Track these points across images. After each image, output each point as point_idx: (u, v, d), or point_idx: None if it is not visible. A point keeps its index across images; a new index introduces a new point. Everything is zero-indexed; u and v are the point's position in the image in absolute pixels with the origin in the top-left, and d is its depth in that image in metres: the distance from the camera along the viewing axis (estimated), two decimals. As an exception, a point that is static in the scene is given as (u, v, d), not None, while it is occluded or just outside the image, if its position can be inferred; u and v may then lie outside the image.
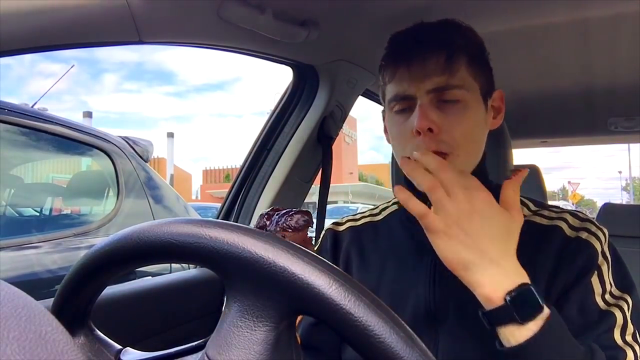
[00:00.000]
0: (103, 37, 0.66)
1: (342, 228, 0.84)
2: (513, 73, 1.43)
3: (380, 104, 0.78)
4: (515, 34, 1.13)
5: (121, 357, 0.45)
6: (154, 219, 0.40)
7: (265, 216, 0.51)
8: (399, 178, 0.75)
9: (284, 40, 0.93)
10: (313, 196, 1.41)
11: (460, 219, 0.53)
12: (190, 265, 1.31)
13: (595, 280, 0.62)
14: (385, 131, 0.77)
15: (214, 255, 0.35)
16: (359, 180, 30.24)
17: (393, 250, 0.76)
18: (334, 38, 1.04)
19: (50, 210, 1.98)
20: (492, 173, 0.75)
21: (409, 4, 0.90)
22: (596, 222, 0.68)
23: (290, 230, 0.49)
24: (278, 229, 0.49)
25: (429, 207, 0.55)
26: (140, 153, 1.85)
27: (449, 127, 0.65)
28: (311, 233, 0.58)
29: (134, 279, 1.19)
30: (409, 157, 0.65)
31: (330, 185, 1.34)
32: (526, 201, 0.74)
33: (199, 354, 0.37)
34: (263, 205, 1.27)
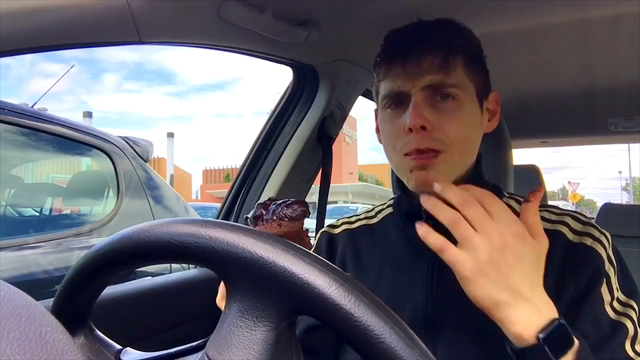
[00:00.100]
0: (103, 37, 0.66)
1: (337, 231, 0.83)
2: (513, 73, 1.43)
3: (378, 103, 0.77)
4: (515, 34, 1.13)
5: (121, 357, 0.45)
6: (154, 219, 0.40)
7: (262, 206, 0.50)
8: (399, 179, 0.75)
9: (284, 40, 0.93)
10: (313, 196, 1.40)
11: (492, 256, 0.49)
12: (190, 265, 1.31)
13: (604, 289, 0.61)
14: (377, 131, 0.76)
15: (214, 256, 0.35)
16: (359, 180, 30.22)
17: (389, 253, 0.75)
18: (334, 38, 1.04)
19: (50, 210, 1.98)
20: (492, 173, 0.75)
21: (409, 4, 0.90)
22: (598, 226, 0.66)
23: (286, 220, 0.47)
24: (274, 217, 0.48)
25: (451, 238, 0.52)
26: (140, 153, 1.85)
27: (442, 125, 0.64)
28: (311, 233, 0.57)
29: (134, 279, 1.19)
30: (405, 154, 0.65)
31: (330, 185, 1.34)
32: None
33: (199, 354, 0.37)
34: (263, 205, 1.27)
